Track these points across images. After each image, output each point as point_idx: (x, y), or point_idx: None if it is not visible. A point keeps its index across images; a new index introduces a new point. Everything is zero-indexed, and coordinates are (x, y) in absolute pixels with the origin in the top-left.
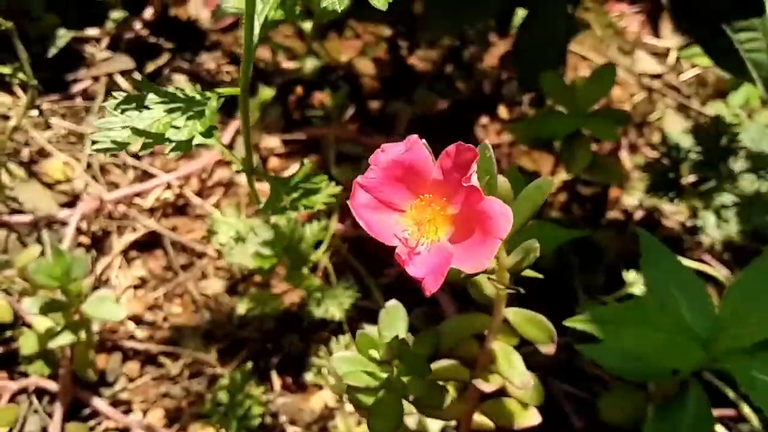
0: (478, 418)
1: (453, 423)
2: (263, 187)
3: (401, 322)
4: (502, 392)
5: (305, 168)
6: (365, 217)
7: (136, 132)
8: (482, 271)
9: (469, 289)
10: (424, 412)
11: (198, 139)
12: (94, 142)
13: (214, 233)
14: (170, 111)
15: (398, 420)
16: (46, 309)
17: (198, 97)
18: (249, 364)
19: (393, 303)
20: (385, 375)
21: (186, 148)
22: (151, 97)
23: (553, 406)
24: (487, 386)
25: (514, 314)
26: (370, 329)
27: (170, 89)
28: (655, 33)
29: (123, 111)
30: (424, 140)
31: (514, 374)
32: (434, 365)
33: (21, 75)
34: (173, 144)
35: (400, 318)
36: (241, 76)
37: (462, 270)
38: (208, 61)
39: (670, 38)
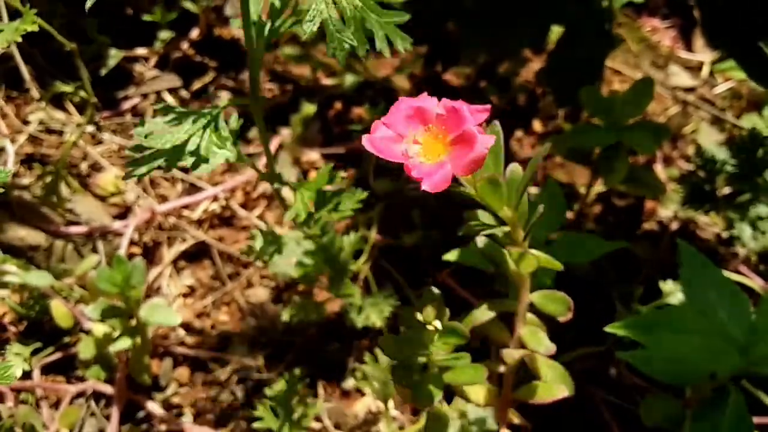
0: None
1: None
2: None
3: (437, 297)
4: (533, 379)
5: (324, 171)
6: (378, 146)
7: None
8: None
9: (497, 278)
10: (463, 394)
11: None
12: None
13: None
14: (188, 131)
15: (439, 392)
16: (107, 314)
17: (213, 111)
18: (297, 370)
19: (432, 289)
20: (425, 352)
21: (203, 161)
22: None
23: (592, 414)
24: (515, 353)
25: (537, 296)
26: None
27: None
28: (688, 47)
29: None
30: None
31: (539, 345)
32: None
33: (82, 93)
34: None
35: (438, 299)
36: (251, 86)
37: (457, 174)
38: None
39: (702, 52)
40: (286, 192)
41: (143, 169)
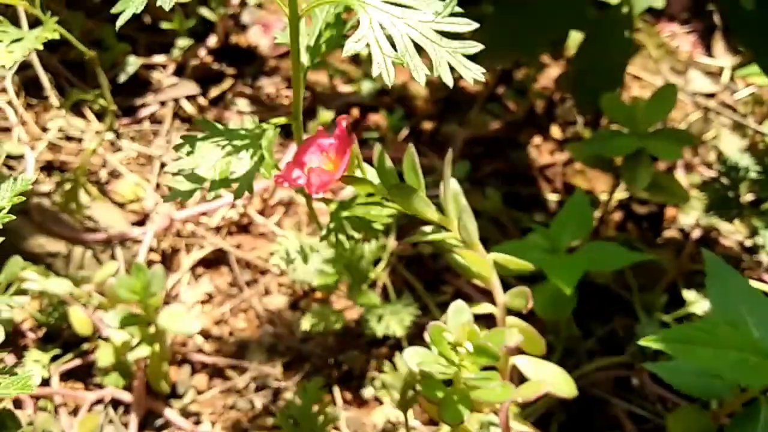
0: None
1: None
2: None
3: (467, 316)
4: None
5: (362, 194)
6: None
7: (198, 180)
8: None
9: None
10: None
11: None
12: (169, 189)
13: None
14: (230, 153)
15: (468, 411)
16: (126, 322)
17: (257, 130)
18: (315, 378)
19: (459, 302)
20: (454, 369)
21: (248, 188)
22: (214, 140)
23: (615, 425)
24: None
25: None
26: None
27: (231, 126)
28: (708, 52)
29: (189, 153)
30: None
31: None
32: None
33: (101, 100)
34: (236, 185)
35: (466, 313)
36: (294, 105)
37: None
38: (268, 85)
39: (723, 57)
40: (300, 198)
41: (187, 193)
